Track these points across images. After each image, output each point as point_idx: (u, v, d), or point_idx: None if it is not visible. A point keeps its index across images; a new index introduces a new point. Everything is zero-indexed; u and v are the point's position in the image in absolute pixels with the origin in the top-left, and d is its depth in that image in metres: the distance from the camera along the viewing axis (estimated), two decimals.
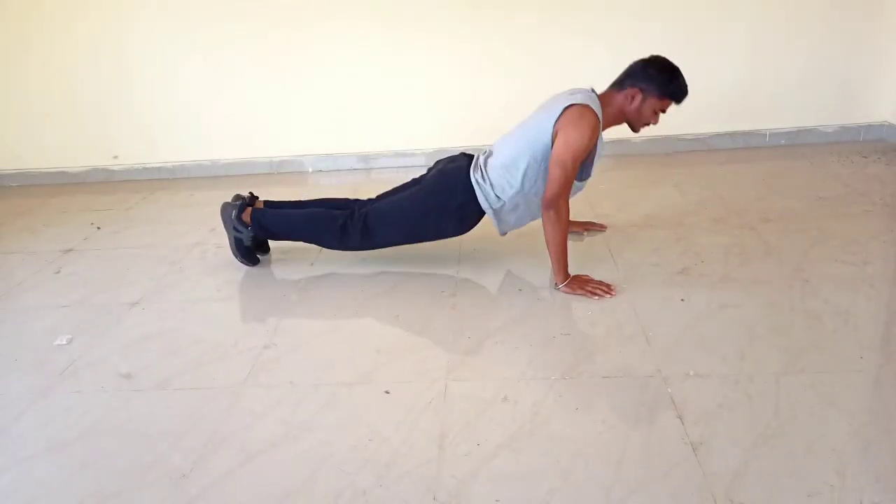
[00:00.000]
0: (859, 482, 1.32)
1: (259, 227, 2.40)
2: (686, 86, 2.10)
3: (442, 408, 1.63)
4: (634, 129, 2.19)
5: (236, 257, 2.47)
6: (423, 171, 2.44)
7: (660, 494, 1.32)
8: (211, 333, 2.06)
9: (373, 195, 2.46)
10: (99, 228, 3.04)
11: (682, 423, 1.51)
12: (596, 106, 2.08)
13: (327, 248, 2.43)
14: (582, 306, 2.08)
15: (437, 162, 2.41)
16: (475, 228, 2.31)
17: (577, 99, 2.07)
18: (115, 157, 3.77)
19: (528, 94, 3.50)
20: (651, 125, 2.17)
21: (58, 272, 2.59)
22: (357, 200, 2.43)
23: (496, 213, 2.23)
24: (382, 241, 2.35)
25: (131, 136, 3.70)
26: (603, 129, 2.13)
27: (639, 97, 2.09)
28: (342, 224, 2.30)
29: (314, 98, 3.59)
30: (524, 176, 2.13)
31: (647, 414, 1.56)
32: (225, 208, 2.43)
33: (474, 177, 2.21)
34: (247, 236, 2.42)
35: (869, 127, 3.52)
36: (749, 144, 3.56)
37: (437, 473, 1.42)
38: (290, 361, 1.88)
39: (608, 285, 2.12)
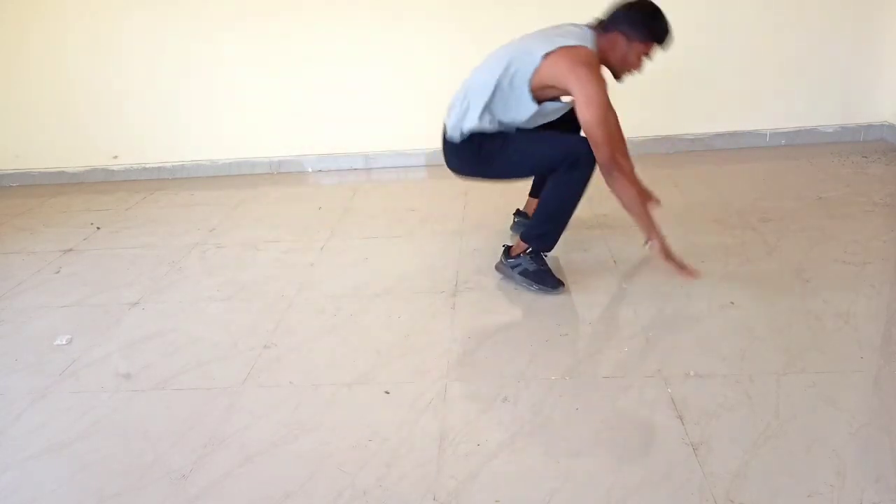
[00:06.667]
0: (859, 482, 1.32)
1: (533, 238, 2.17)
2: (670, 28, 2.01)
3: (442, 408, 1.63)
4: (617, 76, 2.10)
5: (538, 289, 2.16)
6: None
7: (660, 494, 1.32)
8: (211, 333, 2.06)
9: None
10: (99, 228, 3.04)
11: (682, 423, 1.51)
12: (592, 45, 2.00)
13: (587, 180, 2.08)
14: (581, 306, 2.08)
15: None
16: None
17: (572, 41, 1.97)
18: (115, 157, 3.77)
19: None
20: (634, 72, 2.08)
21: (58, 272, 2.59)
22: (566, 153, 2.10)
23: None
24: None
25: (131, 135, 3.69)
26: None
27: (623, 42, 2.00)
28: (569, 167, 2.03)
29: (314, 98, 3.59)
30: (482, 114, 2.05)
31: (647, 414, 1.56)
32: (498, 267, 2.27)
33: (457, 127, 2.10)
34: (526, 262, 2.17)
35: (869, 127, 3.52)
36: (749, 144, 3.56)
37: (437, 474, 1.42)
38: (290, 361, 1.88)
39: (691, 266, 2.07)
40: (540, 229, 2.16)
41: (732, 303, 2.02)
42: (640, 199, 2.05)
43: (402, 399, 1.67)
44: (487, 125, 2.08)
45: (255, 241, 2.75)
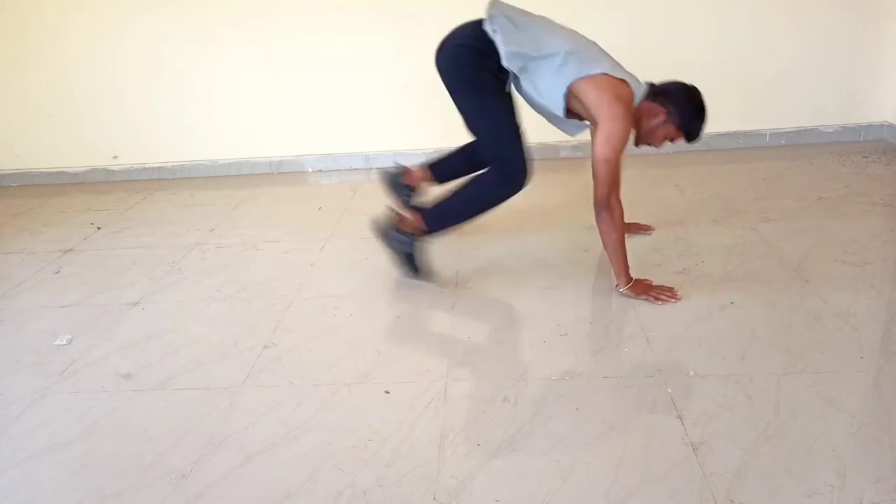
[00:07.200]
0: (859, 482, 1.32)
1: (433, 222, 2.21)
2: (703, 133, 2.07)
3: (442, 408, 1.63)
4: (638, 142, 2.13)
5: (408, 273, 2.27)
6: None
7: (660, 495, 1.32)
8: (211, 333, 2.06)
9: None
10: (99, 228, 3.04)
11: (682, 424, 1.51)
12: (638, 94, 2.02)
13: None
14: (581, 306, 2.08)
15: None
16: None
17: (626, 77, 2.00)
18: (115, 157, 3.77)
19: None
20: (653, 146, 2.14)
21: (58, 272, 2.59)
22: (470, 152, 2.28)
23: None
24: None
25: (131, 135, 3.70)
26: None
27: (661, 117, 2.04)
28: (503, 176, 2.10)
29: (314, 98, 3.59)
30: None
31: (647, 414, 1.56)
32: (377, 229, 2.28)
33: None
34: (413, 247, 2.23)
35: (869, 127, 3.52)
36: (749, 144, 3.56)
37: (437, 473, 1.42)
38: (290, 361, 1.88)
39: (671, 289, 2.07)
40: (444, 221, 2.22)
41: (732, 303, 2.02)
42: (620, 245, 2.06)
43: (402, 399, 1.67)
44: (506, 63, 2.00)
45: (255, 241, 2.75)
